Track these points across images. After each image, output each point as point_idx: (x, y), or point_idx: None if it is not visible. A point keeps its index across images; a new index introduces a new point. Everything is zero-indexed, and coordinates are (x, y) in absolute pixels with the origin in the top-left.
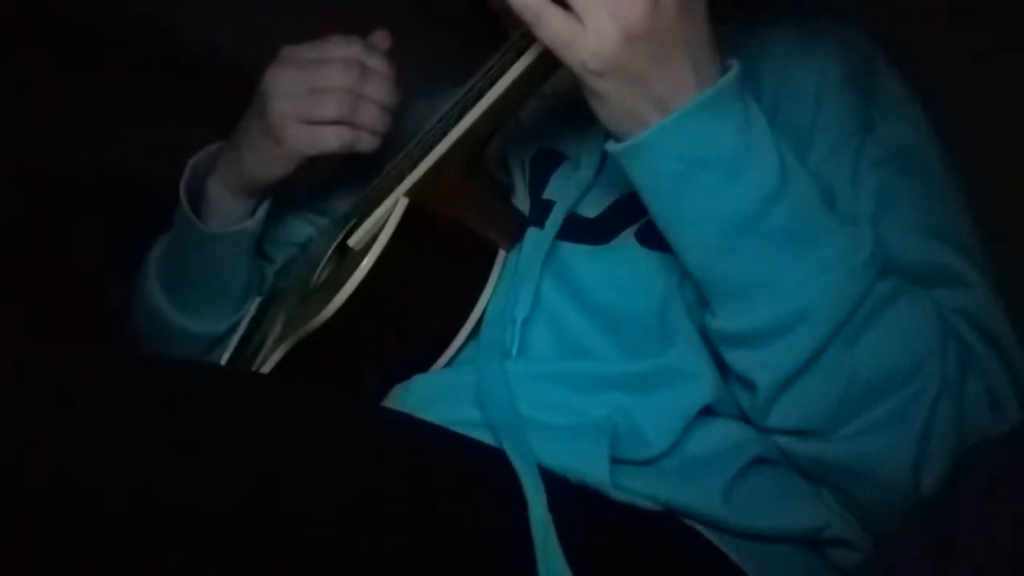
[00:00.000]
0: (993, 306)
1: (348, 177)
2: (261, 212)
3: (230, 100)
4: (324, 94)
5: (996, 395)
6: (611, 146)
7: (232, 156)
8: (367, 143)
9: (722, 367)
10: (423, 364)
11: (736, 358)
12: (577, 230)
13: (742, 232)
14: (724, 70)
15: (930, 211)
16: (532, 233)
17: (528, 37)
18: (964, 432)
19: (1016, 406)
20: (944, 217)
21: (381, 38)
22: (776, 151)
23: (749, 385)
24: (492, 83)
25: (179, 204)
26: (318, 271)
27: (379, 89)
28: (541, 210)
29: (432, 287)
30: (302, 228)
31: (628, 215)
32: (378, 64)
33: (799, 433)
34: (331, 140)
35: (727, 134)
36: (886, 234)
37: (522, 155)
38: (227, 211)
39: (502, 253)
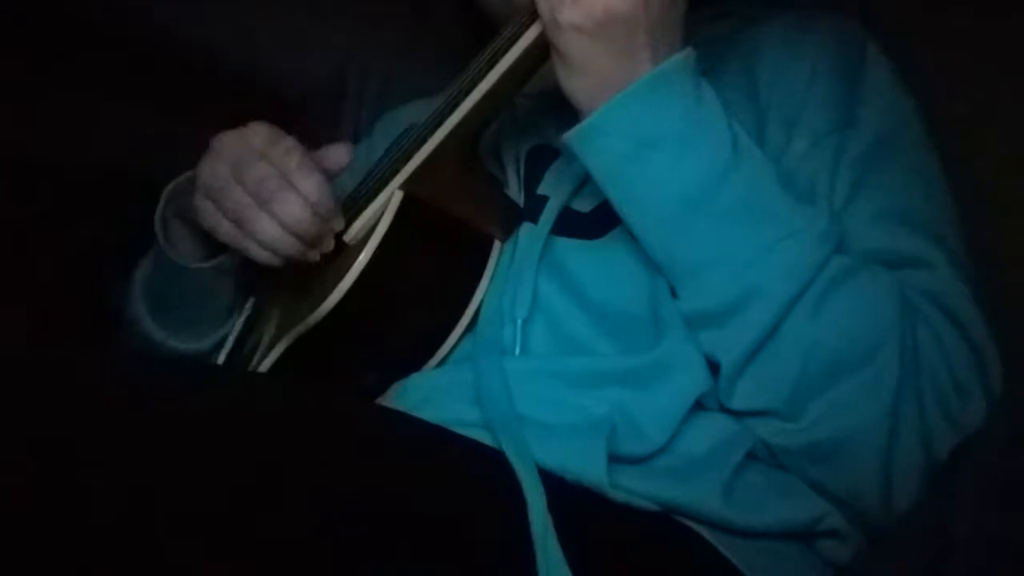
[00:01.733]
0: (958, 290)
1: (342, 175)
2: None
3: (230, 100)
4: (226, 202)
5: (957, 375)
6: (565, 134)
7: (191, 198)
8: (256, 255)
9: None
10: (421, 359)
11: (702, 340)
12: (571, 225)
13: (693, 210)
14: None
15: (901, 199)
16: (526, 228)
17: (519, 27)
18: (929, 413)
19: (978, 388)
20: (916, 205)
21: (337, 153)
22: (728, 130)
23: (716, 366)
24: (484, 74)
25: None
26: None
27: (285, 210)
28: (535, 205)
29: (429, 280)
30: None
31: None
32: (302, 182)
33: (764, 414)
34: (227, 237)
35: (673, 113)
36: (854, 223)
37: (517, 151)
38: (201, 245)
39: (498, 244)
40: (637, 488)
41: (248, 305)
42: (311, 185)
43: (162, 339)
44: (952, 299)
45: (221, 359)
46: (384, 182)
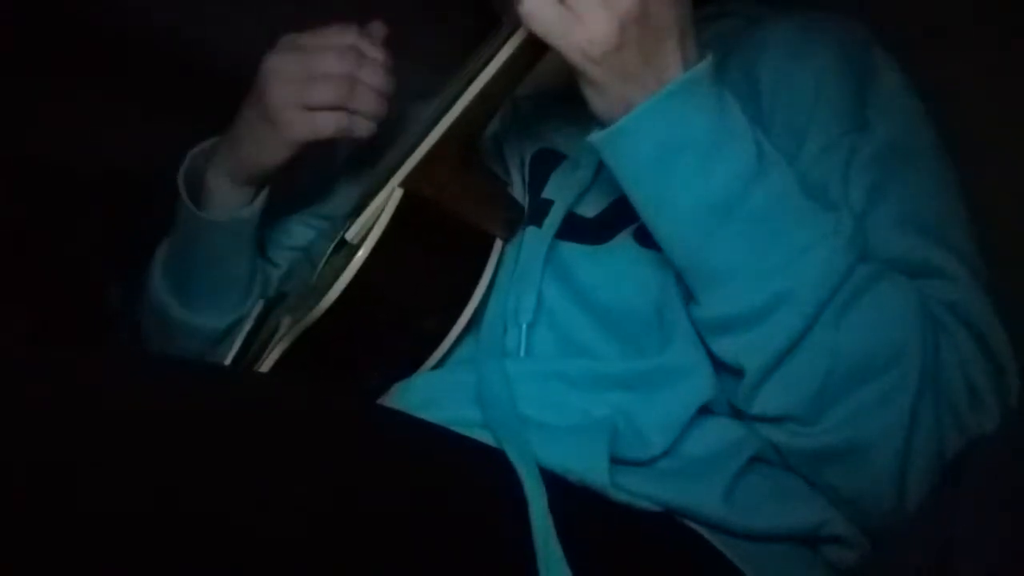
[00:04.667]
0: (976, 298)
1: (349, 180)
2: (259, 202)
3: (230, 100)
4: (321, 80)
5: (973, 382)
6: (593, 136)
7: (231, 143)
8: (363, 128)
9: (716, 363)
10: (421, 357)
11: (723, 345)
12: (576, 230)
13: (721, 217)
14: (701, 58)
15: (916, 206)
16: (531, 232)
17: (515, 23)
18: (944, 419)
19: (993, 396)
20: (931, 212)
21: (377, 28)
22: (752, 136)
23: (737, 372)
24: (482, 68)
25: (178, 194)
26: (318, 268)
27: (375, 75)
28: (540, 209)
29: (429, 277)
30: (305, 232)
31: (627, 215)
32: (374, 51)
33: (781, 420)
34: (328, 125)
35: (701, 118)
36: (871, 230)
37: (522, 154)
38: (226, 200)
39: (499, 243)
40: (638, 489)
41: (257, 307)
42: (375, 51)
43: (180, 316)
44: (971, 308)
45: (228, 360)
46: (385, 180)
